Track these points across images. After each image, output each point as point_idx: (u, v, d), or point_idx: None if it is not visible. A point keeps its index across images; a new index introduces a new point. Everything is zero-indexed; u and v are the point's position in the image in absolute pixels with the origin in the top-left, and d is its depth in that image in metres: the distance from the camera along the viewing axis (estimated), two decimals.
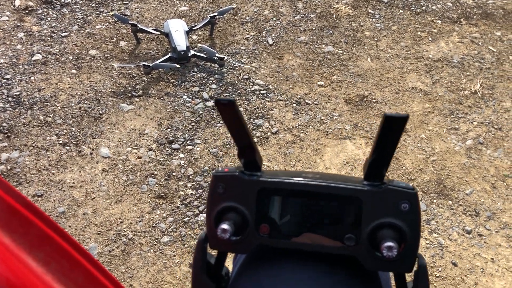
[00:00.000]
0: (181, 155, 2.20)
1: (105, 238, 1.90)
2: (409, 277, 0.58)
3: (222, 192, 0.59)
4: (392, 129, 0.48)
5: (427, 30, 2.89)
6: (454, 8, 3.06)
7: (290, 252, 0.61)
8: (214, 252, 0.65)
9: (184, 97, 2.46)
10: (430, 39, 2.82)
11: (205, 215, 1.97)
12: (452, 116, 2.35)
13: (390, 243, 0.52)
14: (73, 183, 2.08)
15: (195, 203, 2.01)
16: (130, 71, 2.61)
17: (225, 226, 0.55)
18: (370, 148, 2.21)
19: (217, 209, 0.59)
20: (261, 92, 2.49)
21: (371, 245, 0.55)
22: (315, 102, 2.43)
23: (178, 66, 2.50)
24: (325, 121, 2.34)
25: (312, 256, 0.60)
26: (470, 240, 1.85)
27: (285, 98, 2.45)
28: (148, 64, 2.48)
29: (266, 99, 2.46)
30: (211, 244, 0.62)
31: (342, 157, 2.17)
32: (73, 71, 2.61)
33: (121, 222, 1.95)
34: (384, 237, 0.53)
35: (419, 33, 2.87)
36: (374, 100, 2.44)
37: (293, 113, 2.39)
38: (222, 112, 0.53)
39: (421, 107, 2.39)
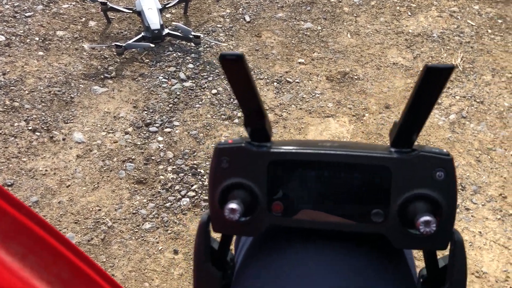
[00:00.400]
0: (160, 138, 2.11)
1: (83, 227, 1.81)
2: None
3: (226, 167, 0.52)
4: (433, 84, 0.42)
5: (405, 5, 2.85)
6: None
7: (305, 233, 0.55)
8: (216, 236, 0.58)
9: (160, 77, 2.35)
10: (409, 14, 2.78)
11: (188, 199, 1.90)
12: None
13: (427, 217, 0.45)
14: (46, 170, 1.97)
15: (177, 187, 1.93)
16: (101, 52, 2.48)
17: (233, 205, 0.48)
18: (354, 125, 2.16)
19: (222, 186, 0.52)
20: None
21: (401, 221, 0.49)
22: (296, 80, 2.37)
23: (152, 45, 2.39)
24: (307, 100, 2.28)
25: (330, 236, 0.54)
26: (457, 215, 1.84)
27: (265, 77, 2.38)
28: (121, 44, 2.36)
29: None
30: (215, 227, 0.55)
31: (326, 136, 2.12)
32: (40, 53, 2.47)
33: (99, 210, 1.86)
34: (419, 211, 0.47)
35: (398, 8, 2.83)
36: (355, 77, 2.39)
37: (274, 92, 2.32)
38: (227, 71, 0.45)
39: (403, 82, 2.36)
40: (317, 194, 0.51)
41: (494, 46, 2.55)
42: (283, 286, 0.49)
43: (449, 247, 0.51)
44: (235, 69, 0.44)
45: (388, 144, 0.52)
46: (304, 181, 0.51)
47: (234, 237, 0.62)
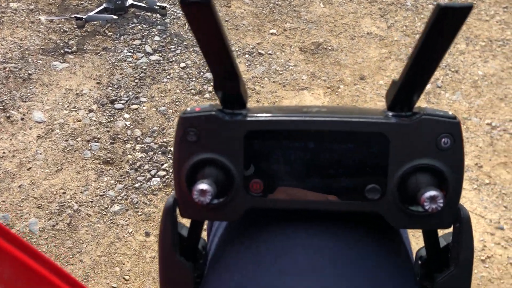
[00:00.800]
0: (126, 116, 2.00)
1: (47, 211, 1.70)
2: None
3: (194, 141, 0.44)
4: (446, 28, 0.35)
5: None
6: None
7: (288, 215, 0.48)
8: (185, 220, 0.50)
9: (125, 51, 2.22)
10: None
11: (158, 179, 1.81)
12: None
13: (433, 192, 0.39)
14: (4, 152, 1.84)
15: (146, 166, 1.84)
16: (60, 25, 2.32)
17: (203, 186, 0.40)
18: (329, 98, 2.10)
19: (189, 164, 0.44)
20: None
21: (401, 197, 0.42)
22: (269, 52, 2.28)
23: (115, 17, 2.25)
24: (281, 72, 2.20)
25: (317, 218, 0.47)
26: None
27: (236, 49, 2.28)
28: (81, 17, 2.21)
29: None
30: (183, 212, 0.47)
31: None
32: None
33: (64, 193, 1.75)
34: (422, 185, 0.40)
35: None
36: (329, 48, 2.32)
37: (246, 64, 2.22)
38: (191, 20, 0.36)
39: (378, 52, 2.31)
40: (303, 169, 0.44)
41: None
42: (265, 281, 0.42)
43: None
44: (201, 17, 0.36)
45: (384, 107, 0.45)
46: (287, 154, 0.44)
47: (206, 221, 0.54)
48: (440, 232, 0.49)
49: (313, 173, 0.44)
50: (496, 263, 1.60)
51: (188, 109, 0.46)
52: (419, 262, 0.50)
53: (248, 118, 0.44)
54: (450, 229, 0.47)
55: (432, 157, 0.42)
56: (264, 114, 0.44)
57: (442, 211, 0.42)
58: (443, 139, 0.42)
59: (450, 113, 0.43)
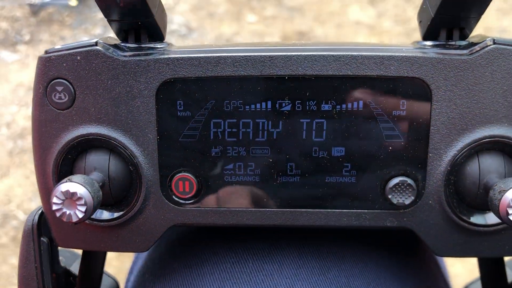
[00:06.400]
0: None
1: None
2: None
3: (64, 102, 0.26)
4: None
5: None
6: None
7: (244, 236, 0.27)
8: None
9: None
10: None
11: None
12: None
13: None
14: None
15: None
16: (12, 12, 2.10)
17: (70, 186, 0.22)
18: None
19: (58, 148, 0.27)
20: (182, 32, 2.10)
21: (453, 200, 0.25)
22: (247, 41, 2.09)
23: (73, 3, 2.04)
24: None
25: (293, 240, 0.27)
26: None
27: (211, 38, 2.11)
28: (36, 2, 1.99)
29: (188, 40, 2.08)
30: (57, 236, 0.29)
31: None
32: None
33: (9, 201, 1.54)
34: (496, 176, 0.23)
35: None
36: (314, 37, 2.14)
37: None
38: None
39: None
40: (271, 154, 0.23)
41: None
42: None
43: None
44: None
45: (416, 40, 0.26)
46: (240, 124, 0.23)
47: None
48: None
49: (290, 158, 0.22)
50: None
51: (57, 46, 0.26)
52: None
53: (165, 56, 0.23)
54: None
55: (510, 123, 0.24)
56: (197, 49, 0.23)
57: None
58: None
59: None
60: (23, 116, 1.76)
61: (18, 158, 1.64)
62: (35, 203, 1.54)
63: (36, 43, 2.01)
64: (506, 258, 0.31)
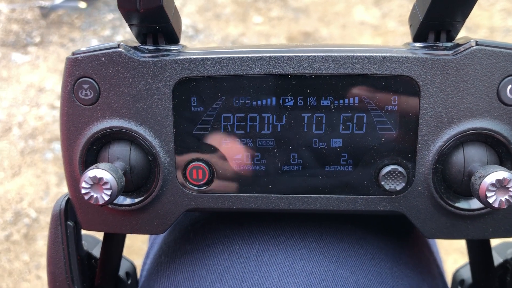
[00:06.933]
0: None
1: (1, 220, 1.53)
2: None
3: (90, 98, 0.29)
4: None
5: None
6: None
7: (254, 220, 0.30)
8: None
9: (94, 42, 2.04)
10: None
11: None
12: None
13: (503, 174, 0.24)
14: None
15: None
16: (23, 15, 2.13)
17: (98, 173, 0.25)
18: None
19: (84, 139, 0.29)
20: (189, 33, 2.13)
21: (440, 186, 0.27)
22: (253, 43, 2.12)
23: (83, 6, 2.07)
24: None
25: (297, 222, 0.29)
26: None
27: (218, 39, 2.12)
28: (46, 5, 2.03)
29: (195, 41, 2.10)
30: (83, 220, 0.31)
31: None
32: None
33: (21, 199, 1.57)
34: (478, 164, 0.26)
35: None
36: (319, 38, 2.16)
37: None
38: None
39: (371, 42, 2.14)
40: (276, 145, 0.25)
41: None
42: None
43: None
44: None
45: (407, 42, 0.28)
46: (248, 118, 0.26)
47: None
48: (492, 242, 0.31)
49: (293, 149, 0.25)
50: None
51: (83, 48, 0.28)
52: None
53: (181, 57, 0.25)
54: (509, 238, 0.31)
55: (491, 116, 0.27)
56: (209, 51, 0.26)
57: (507, 208, 0.27)
58: (510, 86, 0.27)
59: None
60: (33, 116, 1.79)
61: (29, 157, 1.68)
62: (46, 202, 1.57)
63: (46, 44, 2.04)
64: (492, 244, 0.34)
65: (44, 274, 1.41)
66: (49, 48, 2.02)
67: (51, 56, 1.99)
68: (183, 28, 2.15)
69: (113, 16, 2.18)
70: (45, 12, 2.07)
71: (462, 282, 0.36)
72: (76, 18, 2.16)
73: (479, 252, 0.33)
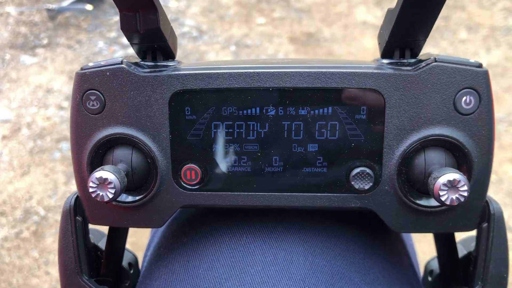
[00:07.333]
0: None
1: (11, 218, 1.56)
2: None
3: (96, 108, 0.30)
4: None
5: None
6: None
7: (241, 216, 0.33)
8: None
9: (100, 44, 2.07)
10: None
11: None
12: None
13: (454, 175, 0.27)
14: None
15: None
16: (31, 17, 2.17)
17: (104, 174, 0.29)
18: None
19: (91, 145, 0.33)
20: (193, 34, 2.15)
21: (403, 186, 0.31)
22: (256, 43, 2.13)
23: (89, 8, 2.10)
24: None
25: (279, 220, 0.32)
26: None
27: (222, 40, 2.14)
28: (53, 7, 2.06)
29: (199, 42, 2.12)
30: (90, 215, 0.35)
31: None
32: None
33: (30, 198, 1.60)
34: (435, 166, 0.29)
35: None
36: (322, 38, 2.17)
37: (232, 57, 2.07)
38: None
39: (373, 43, 2.16)
40: (260, 149, 0.29)
41: (468, 2, 2.37)
42: None
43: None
44: None
45: (376, 57, 0.31)
46: (236, 126, 0.29)
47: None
48: (457, 236, 0.34)
49: (274, 153, 0.29)
50: None
51: (91, 64, 0.31)
52: (429, 278, 0.40)
53: (176, 72, 0.29)
54: (473, 233, 0.35)
55: (449, 124, 0.30)
56: (201, 67, 0.29)
57: (464, 205, 0.28)
58: (464, 97, 0.29)
59: (473, 60, 0.28)
60: (42, 117, 1.83)
61: (38, 157, 1.71)
62: (54, 200, 1.61)
63: (54, 46, 2.08)
64: (459, 238, 0.37)
65: (52, 270, 1.45)
66: (56, 49, 2.06)
67: (58, 58, 2.03)
68: (187, 29, 2.18)
69: (117, 18, 2.22)
70: (53, 14, 2.10)
71: (431, 272, 0.40)
72: (83, 20, 2.19)
73: (445, 245, 0.36)
